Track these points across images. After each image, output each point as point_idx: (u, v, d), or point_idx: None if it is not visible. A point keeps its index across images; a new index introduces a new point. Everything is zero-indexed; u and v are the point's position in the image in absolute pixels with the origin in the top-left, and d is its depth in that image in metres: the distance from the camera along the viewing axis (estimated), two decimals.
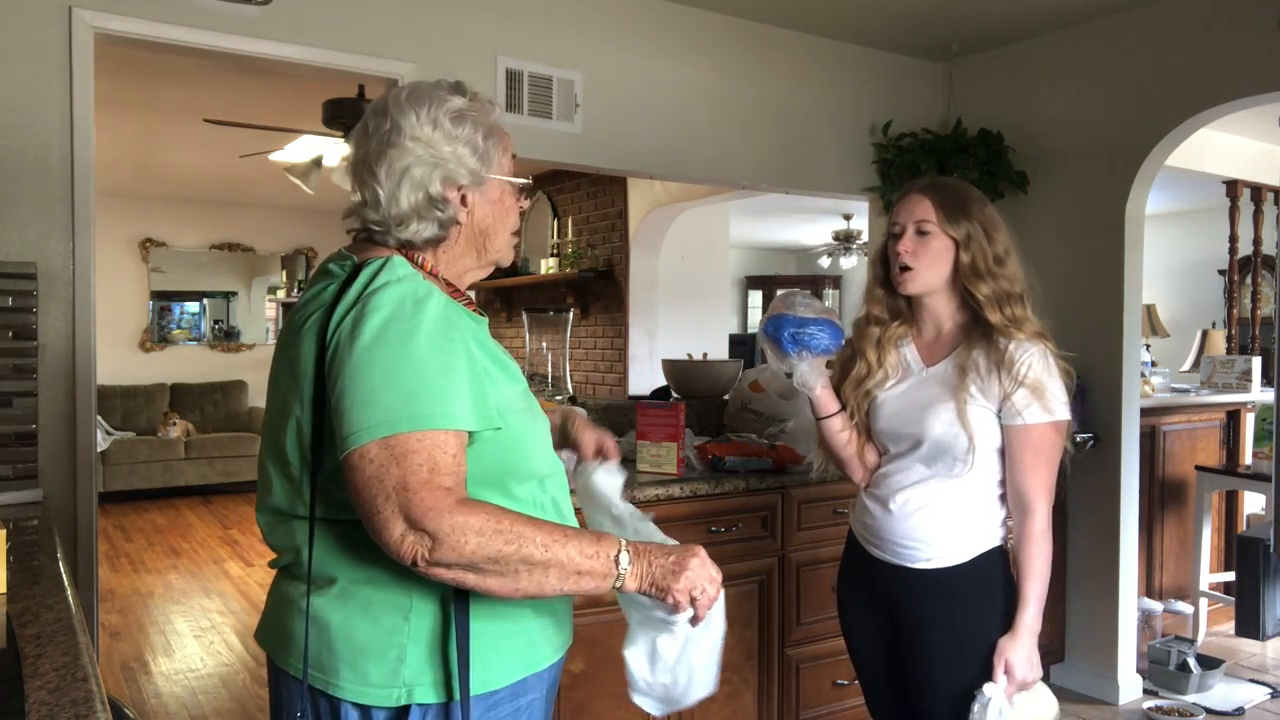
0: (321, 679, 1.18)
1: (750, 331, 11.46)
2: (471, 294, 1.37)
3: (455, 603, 1.17)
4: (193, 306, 8.54)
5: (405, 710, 1.16)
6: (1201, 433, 4.38)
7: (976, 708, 1.62)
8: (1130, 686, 3.55)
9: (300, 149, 5.00)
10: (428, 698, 1.16)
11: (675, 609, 1.18)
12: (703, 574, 1.18)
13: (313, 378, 1.16)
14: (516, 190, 1.33)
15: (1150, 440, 4.07)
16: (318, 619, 1.18)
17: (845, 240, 9.39)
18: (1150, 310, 7.26)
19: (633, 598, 1.21)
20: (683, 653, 1.24)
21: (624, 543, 1.17)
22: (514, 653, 1.23)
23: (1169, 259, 7.97)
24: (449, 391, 1.11)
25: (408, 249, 1.26)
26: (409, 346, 1.10)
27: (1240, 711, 3.40)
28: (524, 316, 3.05)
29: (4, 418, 2.18)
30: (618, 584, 1.16)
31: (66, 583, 1.48)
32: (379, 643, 1.16)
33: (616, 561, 1.15)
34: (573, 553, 1.12)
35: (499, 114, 1.33)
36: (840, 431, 1.89)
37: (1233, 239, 5.28)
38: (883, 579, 1.85)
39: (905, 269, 1.80)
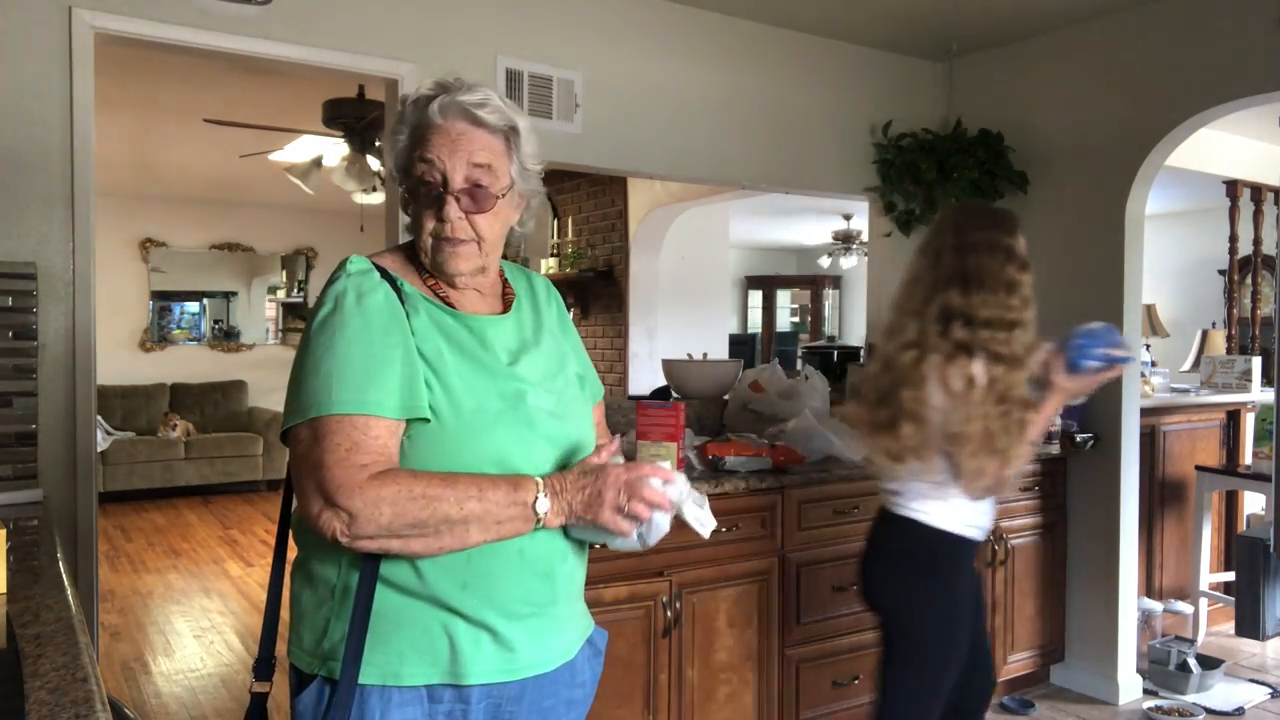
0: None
1: (750, 331, 11.48)
2: (477, 290, 1.34)
3: (360, 584, 1.19)
4: (193, 306, 8.54)
5: (326, 681, 1.22)
6: (1201, 433, 4.38)
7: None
8: (1130, 686, 3.55)
9: (300, 149, 5.00)
10: (336, 674, 1.20)
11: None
12: (619, 495, 1.20)
13: None
14: (415, 190, 1.29)
15: (1150, 440, 4.07)
16: (289, 587, 1.32)
17: (845, 240, 9.39)
18: (1150, 310, 7.26)
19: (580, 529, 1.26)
20: (655, 524, 1.25)
21: (541, 485, 1.20)
22: (433, 654, 1.21)
23: (1169, 259, 7.97)
24: (372, 379, 1.17)
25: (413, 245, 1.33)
26: (338, 337, 1.19)
27: (1240, 711, 3.40)
28: None
29: (4, 418, 2.18)
30: (539, 525, 1.20)
31: (66, 583, 1.48)
32: (311, 612, 1.25)
33: (535, 507, 1.19)
34: (489, 505, 1.16)
35: (459, 98, 1.27)
36: None
37: (1233, 239, 5.28)
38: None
39: None
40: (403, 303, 1.25)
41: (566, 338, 1.46)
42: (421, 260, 1.30)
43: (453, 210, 1.25)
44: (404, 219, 1.34)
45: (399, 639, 1.21)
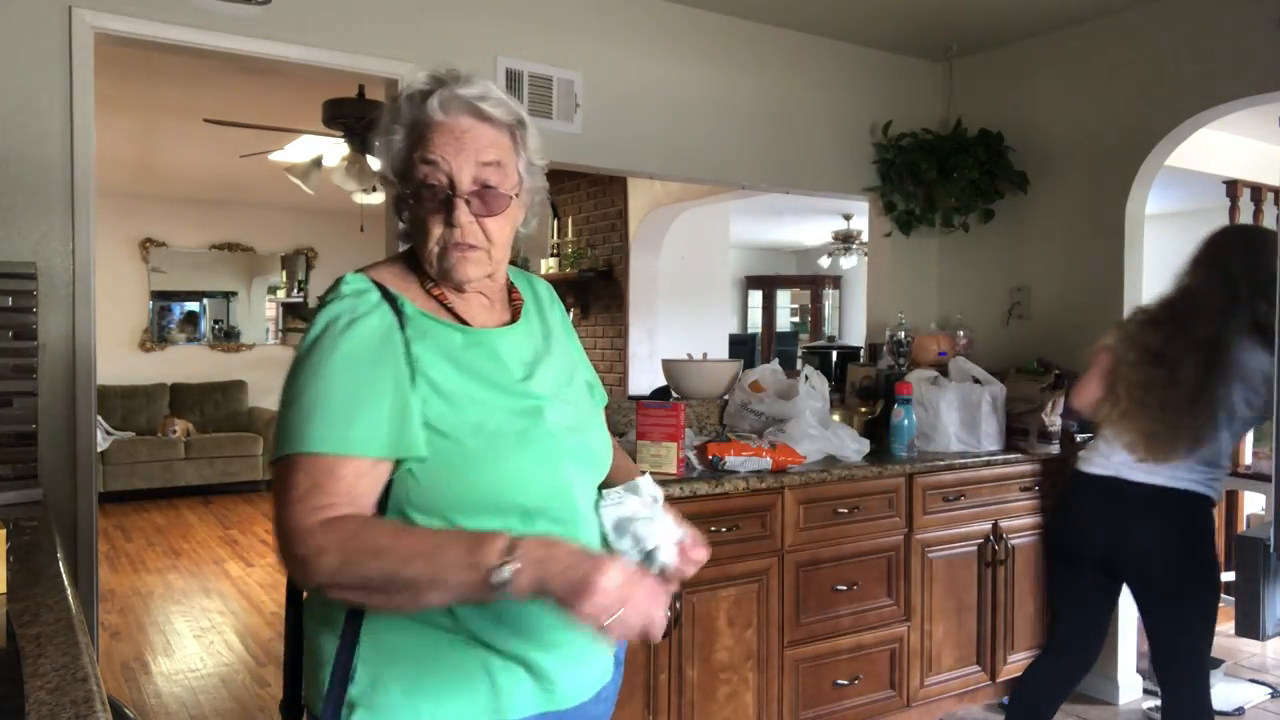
0: None
1: (750, 331, 11.48)
2: (484, 295, 1.25)
3: (345, 624, 1.13)
4: (193, 306, 8.54)
5: None
6: None
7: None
8: (1130, 686, 3.55)
9: (300, 149, 5.00)
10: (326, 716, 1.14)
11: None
12: (611, 598, 0.98)
13: None
14: (418, 194, 1.18)
15: None
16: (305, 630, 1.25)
17: (845, 240, 9.39)
18: None
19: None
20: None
21: (515, 548, 1.00)
22: (473, 695, 1.14)
23: (1169, 259, 7.95)
24: (354, 415, 1.07)
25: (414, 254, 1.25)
26: (322, 368, 1.09)
27: (1240, 711, 3.40)
28: None
29: (4, 418, 2.18)
30: (504, 595, 1.01)
31: (66, 583, 1.48)
32: (312, 653, 1.19)
33: (494, 574, 0.99)
34: (440, 567, 1.01)
35: (459, 91, 1.18)
36: None
37: None
38: None
39: None
40: (403, 326, 1.15)
41: (572, 343, 1.38)
42: (425, 268, 1.21)
43: (463, 215, 1.16)
44: (398, 225, 1.26)
45: (435, 681, 1.12)
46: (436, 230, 1.17)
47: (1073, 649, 2.63)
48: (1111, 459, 2.52)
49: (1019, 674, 3.47)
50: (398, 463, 1.12)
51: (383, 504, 1.13)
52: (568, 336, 1.37)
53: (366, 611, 1.12)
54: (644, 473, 1.32)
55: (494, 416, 1.14)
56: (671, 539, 1.17)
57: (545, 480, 1.16)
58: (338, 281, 1.19)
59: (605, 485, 1.28)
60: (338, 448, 1.06)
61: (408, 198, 1.19)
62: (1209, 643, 2.48)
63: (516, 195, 1.21)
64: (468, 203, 1.16)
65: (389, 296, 1.17)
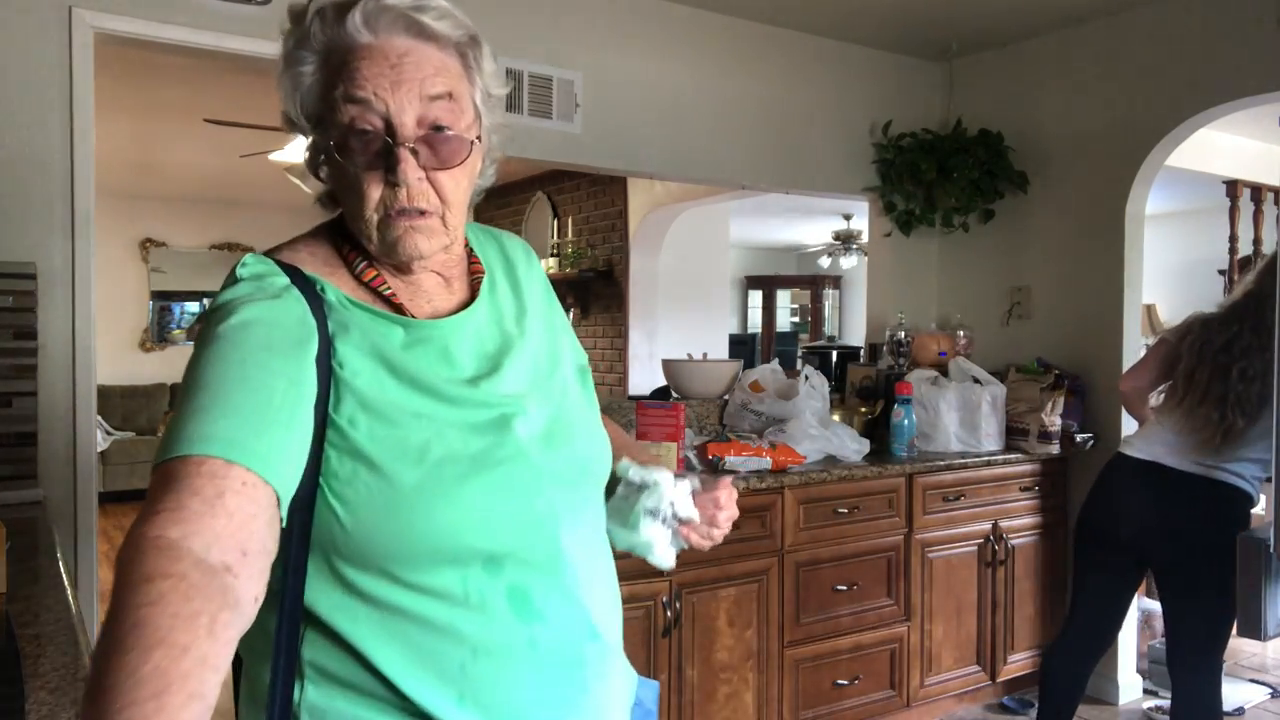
0: None
1: (750, 331, 11.48)
2: (438, 274, 0.96)
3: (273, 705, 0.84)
4: (193, 306, 8.53)
5: None
6: None
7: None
8: (1130, 686, 3.55)
9: (300, 149, 4.98)
10: None
11: None
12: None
13: None
14: (344, 144, 0.87)
15: None
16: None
17: (845, 240, 9.39)
18: (1150, 310, 7.25)
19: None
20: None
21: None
22: None
23: (1169, 259, 7.97)
24: (218, 412, 0.75)
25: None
26: (192, 371, 0.80)
27: (1240, 711, 3.40)
28: None
29: (4, 418, 2.18)
30: None
31: (66, 583, 1.48)
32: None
33: None
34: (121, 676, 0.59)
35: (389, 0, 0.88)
36: None
37: (1233, 239, 5.27)
38: None
39: None
40: (323, 318, 0.86)
41: (554, 316, 1.06)
42: (360, 243, 0.91)
43: (409, 168, 0.86)
44: (314, 185, 0.97)
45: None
46: (374, 193, 0.87)
47: (1092, 631, 2.72)
48: (1155, 445, 2.60)
49: (1019, 673, 3.48)
50: (310, 501, 0.82)
51: (301, 556, 0.83)
52: (549, 309, 1.06)
53: (300, 690, 0.85)
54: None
55: (444, 436, 0.86)
56: (684, 494, 1.07)
57: (514, 515, 0.88)
58: (236, 265, 0.90)
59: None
60: (190, 448, 0.73)
61: (329, 150, 0.88)
62: (1225, 639, 2.51)
63: (477, 139, 0.92)
64: (414, 153, 0.86)
65: (304, 281, 0.88)
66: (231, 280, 0.88)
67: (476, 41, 0.96)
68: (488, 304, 0.98)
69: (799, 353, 8.21)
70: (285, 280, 0.87)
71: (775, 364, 3.46)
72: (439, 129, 0.88)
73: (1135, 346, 3.54)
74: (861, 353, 4.25)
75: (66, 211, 2.44)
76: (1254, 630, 2.27)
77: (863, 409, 3.53)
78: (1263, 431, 2.44)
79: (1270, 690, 3.60)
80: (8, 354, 2.18)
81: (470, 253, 1.00)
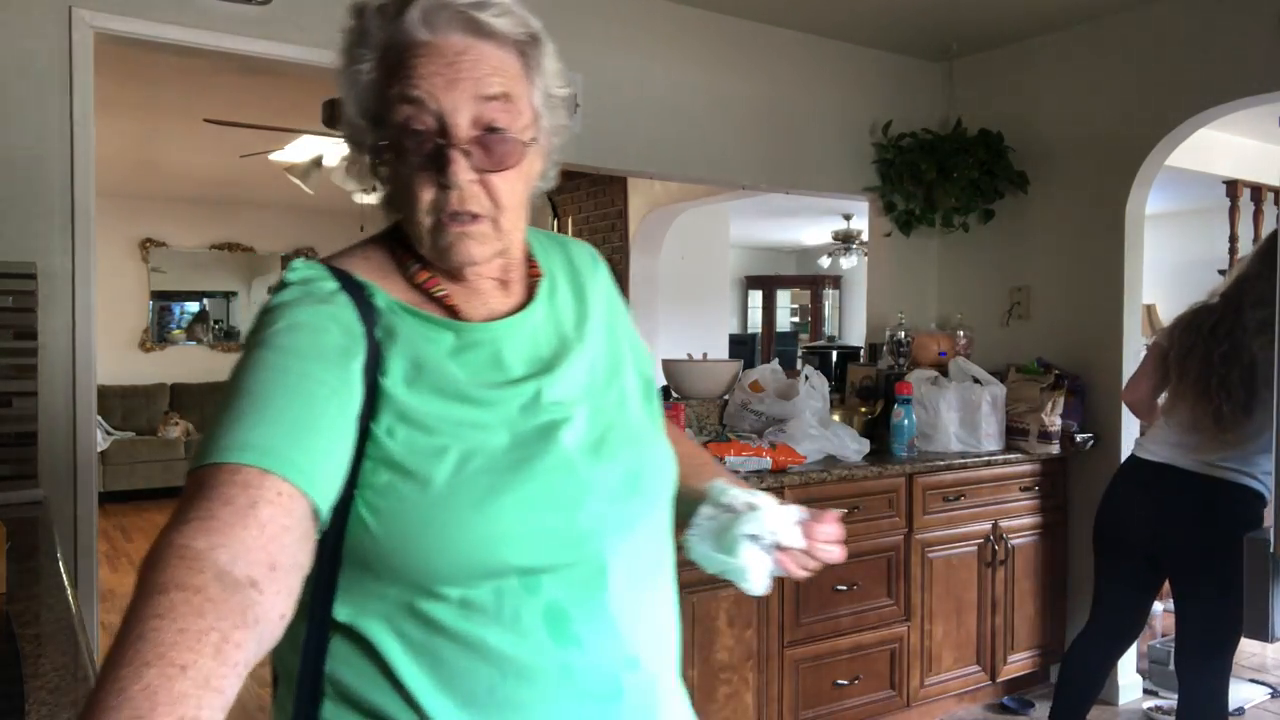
0: None
1: (750, 331, 11.49)
2: (496, 280, 0.93)
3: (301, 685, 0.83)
4: (193, 306, 8.54)
5: None
6: None
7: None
8: (1130, 686, 3.55)
9: (300, 149, 5.00)
10: None
11: None
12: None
13: None
14: (399, 144, 0.85)
15: None
16: None
17: (845, 240, 9.39)
18: (1150, 310, 7.25)
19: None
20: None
21: None
22: None
23: (1169, 259, 7.96)
24: (257, 419, 0.74)
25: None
26: (237, 377, 0.79)
27: (1240, 711, 3.40)
28: None
29: (4, 418, 2.18)
30: None
31: (66, 583, 1.48)
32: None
33: None
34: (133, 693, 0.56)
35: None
36: None
37: (1233, 239, 5.27)
38: None
39: None
40: (372, 325, 0.84)
41: (618, 324, 1.02)
42: (414, 247, 0.89)
43: (461, 170, 0.84)
44: (364, 195, 0.96)
45: None
46: (426, 195, 0.85)
47: (1112, 632, 2.75)
48: (1162, 445, 2.59)
49: (1019, 673, 3.48)
50: (343, 512, 0.80)
51: (332, 573, 0.81)
52: (613, 317, 1.01)
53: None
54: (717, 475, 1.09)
55: (485, 445, 0.83)
56: (789, 521, 0.99)
57: (555, 529, 0.83)
58: (285, 270, 0.88)
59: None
60: (226, 455, 0.71)
61: (384, 149, 0.87)
62: (1234, 641, 2.51)
63: (533, 140, 0.89)
64: (466, 154, 0.84)
65: (354, 287, 0.86)
66: (280, 285, 0.86)
67: (538, 40, 0.93)
68: (546, 307, 0.95)
69: (799, 353, 8.22)
70: (334, 285, 0.85)
71: (775, 364, 3.46)
72: (493, 130, 0.85)
73: (1135, 346, 3.54)
74: (861, 353, 4.25)
75: (66, 211, 2.44)
76: (1261, 632, 2.27)
77: (863, 409, 3.53)
78: (1261, 423, 2.42)
79: (1270, 690, 3.60)
80: (8, 354, 2.18)
81: (529, 257, 0.98)
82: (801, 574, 1.01)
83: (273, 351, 0.78)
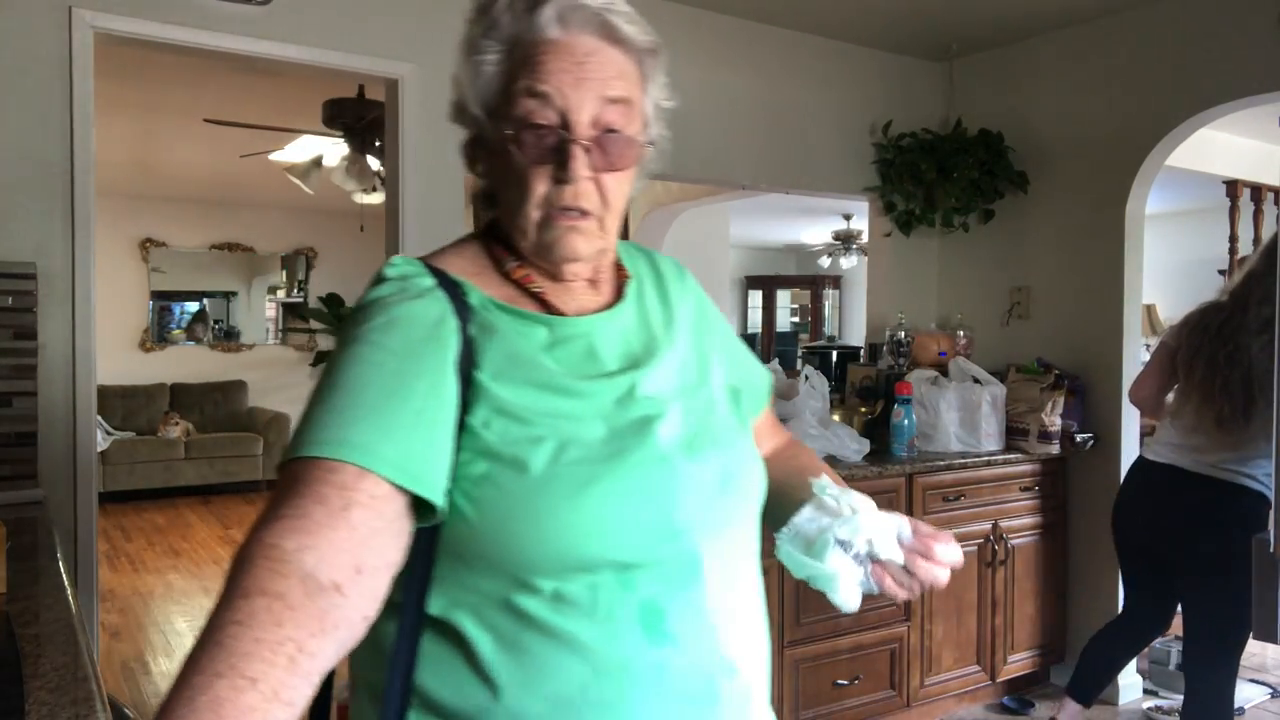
0: None
1: (750, 331, 11.49)
2: (590, 281, 0.94)
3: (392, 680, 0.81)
4: (193, 306, 8.54)
5: None
6: None
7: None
8: (1130, 686, 3.55)
9: (300, 149, 5.00)
10: None
11: None
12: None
13: None
14: (519, 137, 0.86)
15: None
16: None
17: (845, 240, 9.39)
18: (1150, 310, 7.25)
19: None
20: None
21: None
22: None
23: (1169, 259, 7.97)
24: (357, 416, 0.75)
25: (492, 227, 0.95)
26: (335, 369, 0.80)
27: (1240, 711, 3.40)
28: None
29: (4, 418, 2.18)
30: None
31: (66, 583, 1.48)
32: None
33: None
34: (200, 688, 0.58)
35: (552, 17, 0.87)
36: None
37: (1233, 239, 5.28)
38: None
39: None
40: (466, 322, 0.84)
41: (710, 332, 1.03)
42: (515, 242, 0.90)
43: (580, 166, 0.85)
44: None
45: None
46: (539, 188, 0.86)
47: (1134, 627, 2.81)
48: (1167, 447, 2.61)
49: (1020, 673, 3.48)
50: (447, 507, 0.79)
51: (428, 562, 0.81)
52: (701, 326, 1.02)
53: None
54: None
55: (581, 436, 0.82)
56: (888, 532, 0.91)
57: (650, 523, 0.82)
58: (382, 266, 0.90)
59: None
60: (323, 450, 0.72)
61: (501, 142, 0.87)
62: (1240, 642, 2.51)
63: (650, 144, 0.95)
64: (586, 150, 0.86)
65: (449, 284, 0.87)
66: (377, 280, 0.87)
67: (656, 52, 0.96)
68: (635, 306, 0.96)
69: (799, 352, 8.21)
70: (431, 281, 0.86)
71: (775, 364, 3.46)
72: (611, 131, 0.88)
73: (1135, 346, 3.55)
74: (861, 353, 4.25)
75: (66, 211, 2.44)
76: (1269, 633, 2.26)
77: (863, 409, 3.53)
78: (1260, 426, 2.42)
79: (1270, 690, 3.60)
80: (8, 354, 2.18)
81: (617, 262, 0.99)
82: (902, 595, 0.92)
83: (369, 347, 0.79)
